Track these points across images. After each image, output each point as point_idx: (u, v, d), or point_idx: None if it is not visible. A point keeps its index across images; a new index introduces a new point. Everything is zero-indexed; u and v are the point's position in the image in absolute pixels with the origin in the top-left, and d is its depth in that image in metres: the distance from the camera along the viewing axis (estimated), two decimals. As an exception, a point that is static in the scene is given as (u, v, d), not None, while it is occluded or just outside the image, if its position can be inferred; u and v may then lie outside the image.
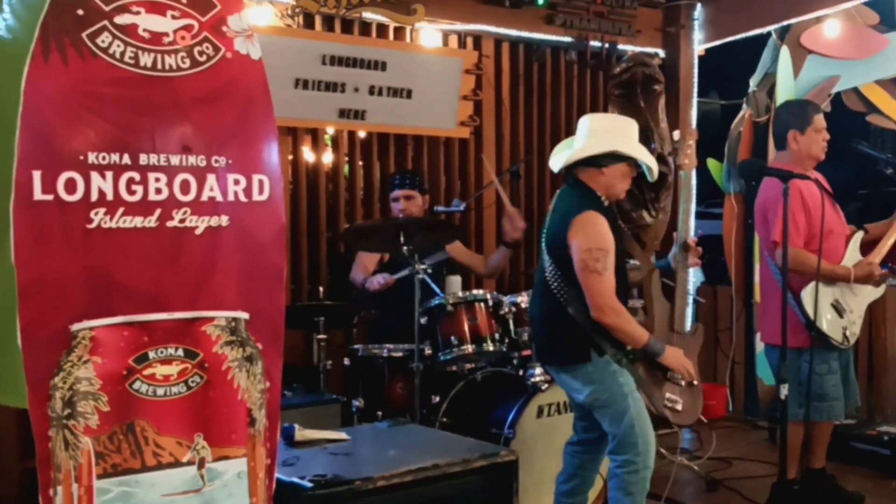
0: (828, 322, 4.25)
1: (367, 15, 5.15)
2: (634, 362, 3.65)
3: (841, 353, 4.38)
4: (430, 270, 4.43)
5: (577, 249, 3.49)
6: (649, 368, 3.70)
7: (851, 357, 4.54)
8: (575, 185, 3.69)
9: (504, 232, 5.17)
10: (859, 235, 4.46)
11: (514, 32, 5.96)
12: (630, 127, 3.74)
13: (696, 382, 3.84)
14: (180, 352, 2.33)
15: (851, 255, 4.40)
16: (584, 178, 3.66)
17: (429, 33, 5.60)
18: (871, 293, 4.48)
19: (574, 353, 3.61)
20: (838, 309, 4.30)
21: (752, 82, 6.32)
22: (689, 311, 3.94)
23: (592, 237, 3.50)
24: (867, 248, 4.49)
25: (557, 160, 3.76)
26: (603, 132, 3.67)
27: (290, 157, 5.27)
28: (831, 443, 4.59)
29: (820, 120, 4.49)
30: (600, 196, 3.65)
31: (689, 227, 4.05)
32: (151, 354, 2.29)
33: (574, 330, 3.58)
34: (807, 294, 4.23)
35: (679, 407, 3.82)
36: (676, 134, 4.23)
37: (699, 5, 6.57)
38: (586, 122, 3.75)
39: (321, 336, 4.49)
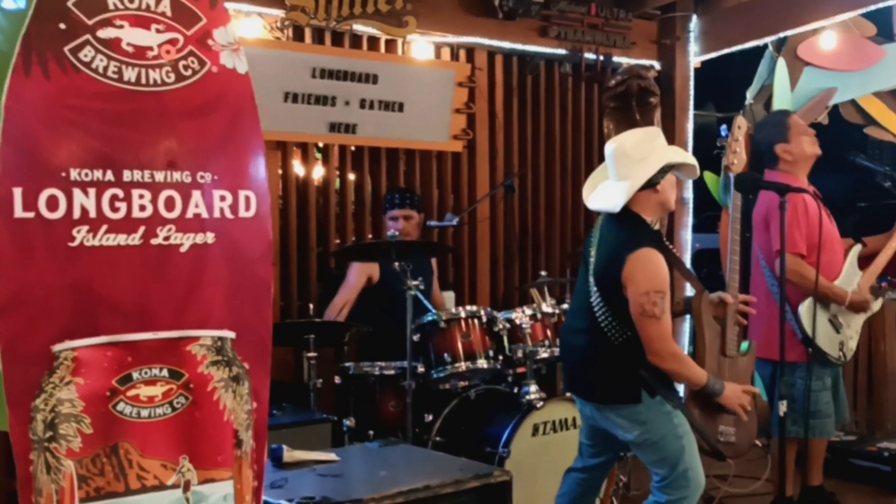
0: (824, 338, 4.25)
1: (358, 27, 5.14)
2: (687, 402, 3.53)
3: (832, 368, 4.38)
4: (422, 287, 4.42)
5: (635, 292, 3.31)
6: (702, 404, 3.57)
7: (841, 372, 4.53)
8: (623, 214, 3.47)
9: None
10: (857, 249, 4.46)
11: (507, 45, 5.96)
12: (659, 135, 3.60)
13: (749, 408, 3.65)
14: (165, 372, 2.31)
15: (849, 270, 4.40)
16: (633, 205, 3.46)
17: (421, 46, 5.60)
18: (875, 303, 4.49)
19: (622, 392, 3.44)
20: (835, 324, 4.30)
21: (749, 94, 6.33)
22: (737, 331, 3.82)
23: (651, 278, 3.32)
24: (865, 261, 4.49)
25: (606, 196, 3.52)
26: (644, 149, 3.47)
27: (280, 172, 5.26)
28: (831, 460, 4.59)
29: (796, 121, 4.55)
30: (650, 222, 3.50)
31: (737, 267, 3.95)
32: (135, 375, 2.28)
33: (624, 369, 3.42)
34: (804, 309, 4.22)
35: (733, 438, 3.70)
36: (725, 128, 4.13)
37: (695, 17, 6.59)
38: (617, 148, 3.50)
39: (311, 354, 4.46)
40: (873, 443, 5.40)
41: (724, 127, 4.15)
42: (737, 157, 4.03)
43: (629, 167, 3.46)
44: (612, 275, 3.39)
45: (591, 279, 3.49)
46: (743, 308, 3.79)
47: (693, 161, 3.54)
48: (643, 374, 3.39)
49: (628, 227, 3.47)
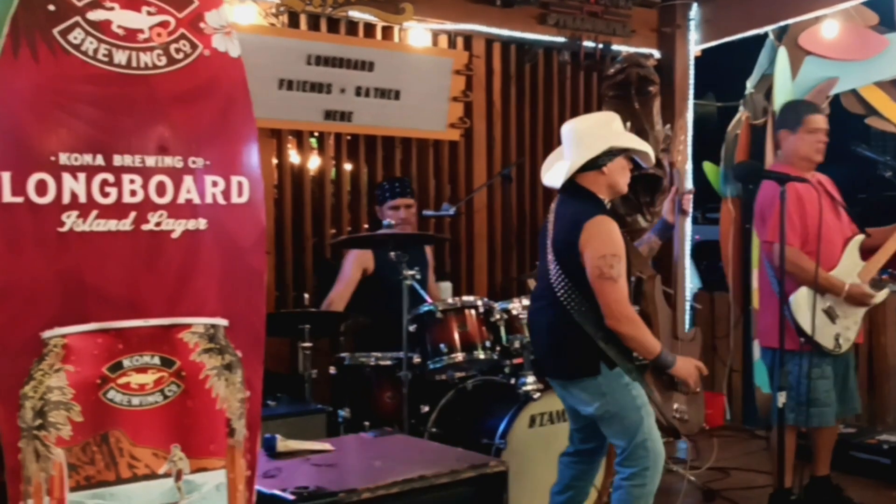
0: (818, 328, 4.24)
1: (354, 14, 5.13)
2: (643, 374, 3.60)
3: (836, 358, 4.37)
4: (418, 276, 4.40)
5: (592, 256, 3.44)
6: (657, 379, 3.66)
7: (852, 363, 4.53)
8: (576, 191, 3.63)
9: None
10: (858, 239, 4.45)
11: (505, 32, 5.95)
12: (614, 120, 3.74)
13: (698, 390, 3.80)
14: (156, 360, 2.31)
15: (848, 261, 4.39)
16: (585, 183, 3.62)
17: (418, 33, 5.58)
18: (877, 295, 4.47)
19: (583, 365, 3.54)
20: (830, 315, 4.29)
21: (749, 84, 6.32)
22: (688, 315, 3.93)
23: (606, 243, 3.46)
24: (868, 253, 4.48)
25: (556, 174, 3.70)
26: (593, 132, 3.64)
27: (275, 161, 5.24)
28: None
29: (814, 121, 4.49)
30: (603, 199, 3.63)
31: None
32: (126, 362, 2.27)
33: (582, 341, 3.51)
34: (795, 299, 4.23)
35: (686, 416, 3.80)
36: (668, 128, 4.22)
37: (695, 5, 6.57)
38: (570, 129, 3.71)
39: (306, 344, 4.45)
40: (873, 435, 5.40)
41: (668, 126, 4.22)
42: (681, 154, 4.08)
43: (576, 148, 3.63)
44: (569, 242, 3.51)
45: (551, 255, 3.60)
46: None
47: (644, 147, 3.66)
48: (601, 346, 3.48)
49: (583, 201, 3.60)
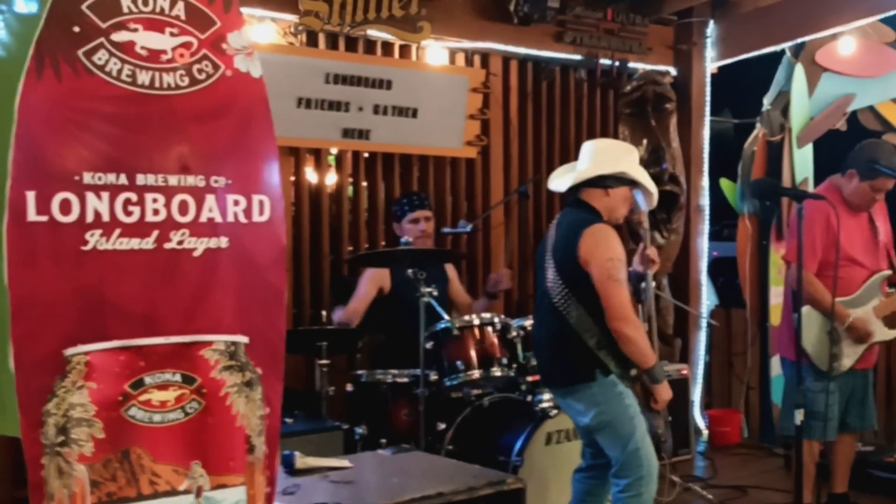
0: (816, 346, 4.24)
1: (372, 32, 5.16)
2: (634, 384, 3.66)
3: (845, 377, 4.35)
4: (435, 293, 4.42)
5: (600, 258, 3.51)
6: (643, 395, 3.70)
7: (871, 381, 4.52)
8: (579, 204, 3.73)
9: (489, 284, 5.21)
10: (883, 275, 4.42)
11: (522, 50, 5.97)
12: (633, 152, 3.85)
13: (670, 419, 3.96)
14: (177, 377, 2.32)
15: (865, 293, 4.36)
16: (587, 198, 3.72)
17: (435, 51, 5.62)
18: (882, 333, 4.44)
19: (579, 372, 3.60)
20: (832, 337, 4.26)
21: (766, 101, 6.33)
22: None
23: (612, 246, 3.54)
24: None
25: (562, 181, 3.80)
26: (608, 155, 3.74)
27: (293, 178, 5.27)
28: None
29: (883, 184, 4.40)
30: (605, 217, 3.69)
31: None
32: (148, 380, 2.28)
33: (579, 348, 3.58)
34: (804, 313, 4.23)
35: (663, 438, 3.85)
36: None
37: (711, 22, 6.58)
38: (590, 145, 3.85)
39: (323, 361, 4.47)
40: (891, 453, 5.36)
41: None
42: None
43: (589, 161, 3.74)
44: (568, 251, 3.58)
45: (550, 264, 3.67)
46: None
47: (652, 188, 3.75)
48: (596, 353, 3.54)
49: (583, 211, 3.69)
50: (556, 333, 3.67)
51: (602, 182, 3.69)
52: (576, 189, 3.74)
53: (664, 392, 3.65)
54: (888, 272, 4.46)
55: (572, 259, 3.57)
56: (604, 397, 3.58)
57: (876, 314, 4.40)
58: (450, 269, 5.25)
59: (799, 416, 3.78)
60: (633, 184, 3.74)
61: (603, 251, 3.52)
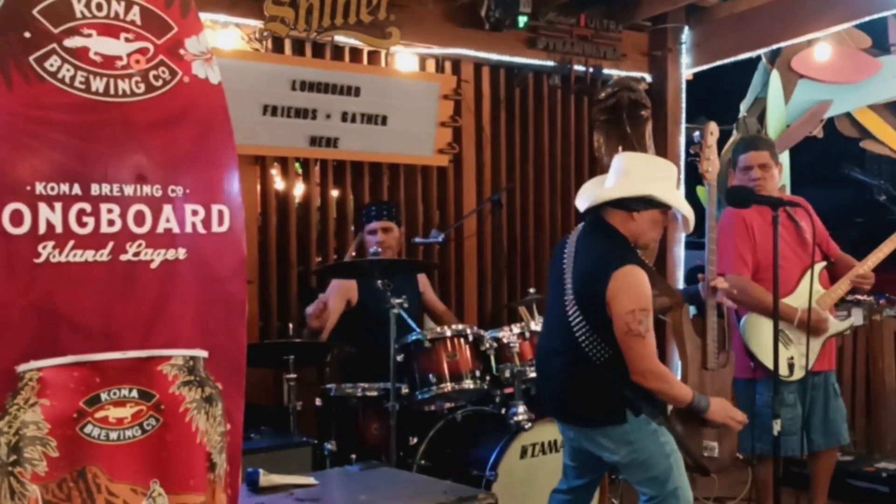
0: (767, 353, 4.24)
1: (340, 38, 5.15)
2: (671, 418, 3.52)
3: (805, 386, 4.34)
4: (406, 305, 4.40)
5: (620, 311, 3.29)
6: (685, 419, 3.59)
7: (832, 392, 4.49)
8: (602, 227, 3.50)
9: None
10: (818, 267, 4.44)
11: (494, 56, 5.98)
12: (670, 171, 3.59)
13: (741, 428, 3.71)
14: (134, 393, 2.29)
15: (806, 288, 4.35)
16: (612, 220, 3.48)
17: (405, 57, 5.62)
18: (834, 325, 4.46)
19: (606, 412, 3.41)
20: (781, 340, 4.27)
21: (743, 107, 6.37)
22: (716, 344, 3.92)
23: (636, 297, 3.30)
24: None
25: (585, 199, 3.56)
26: (638, 174, 3.49)
27: (259, 188, 5.25)
28: (827, 479, 4.60)
29: (745, 159, 4.46)
30: (630, 242, 3.49)
31: (714, 258, 4.02)
32: (104, 396, 2.25)
33: (606, 389, 3.40)
34: (745, 324, 4.26)
35: (716, 453, 3.75)
36: (698, 135, 4.12)
37: (686, 28, 6.62)
38: (621, 162, 3.57)
39: (291, 375, 4.44)
40: (871, 463, 5.40)
41: (696, 133, 4.15)
42: (710, 165, 4.05)
43: (617, 180, 3.52)
44: (594, 292, 3.35)
45: (570, 296, 3.45)
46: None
47: (687, 212, 3.49)
48: (626, 393, 3.37)
49: (610, 243, 3.46)
50: (579, 372, 3.46)
51: (627, 204, 3.43)
52: (600, 206, 3.49)
53: (716, 415, 3.48)
54: (822, 264, 4.48)
55: (599, 300, 3.34)
56: (636, 436, 3.41)
57: (822, 306, 4.41)
58: (422, 280, 5.24)
59: (776, 426, 3.77)
60: (664, 206, 3.47)
61: (625, 302, 3.28)
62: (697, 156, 4.03)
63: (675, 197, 3.51)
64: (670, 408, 3.59)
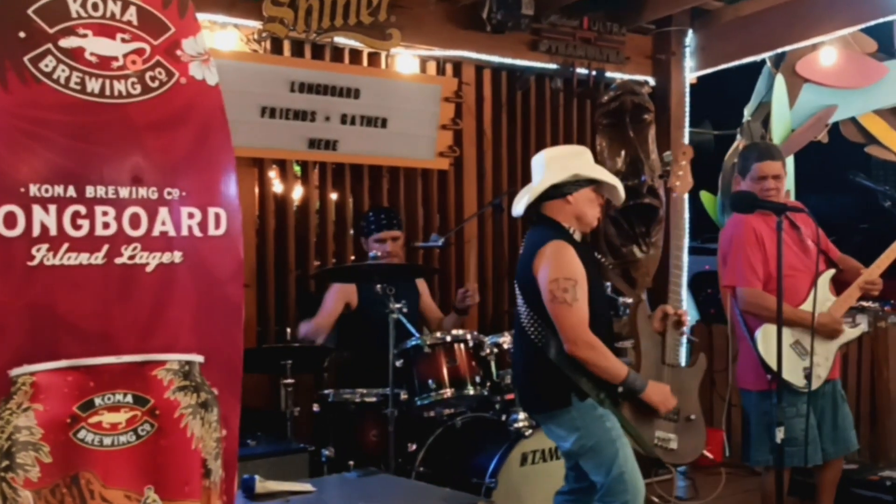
0: (785, 364, 4.24)
1: (340, 40, 5.14)
2: (618, 403, 3.62)
3: (816, 396, 4.34)
4: (405, 310, 4.39)
5: (543, 280, 3.52)
6: (636, 407, 3.68)
7: (840, 400, 4.49)
8: (540, 221, 3.73)
9: (457, 298, 5.17)
10: (829, 274, 4.44)
11: (496, 59, 5.97)
12: (584, 152, 3.82)
13: (693, 417, 3.88)
14: (129, 398, 2.29)
15: (817, 296, 4.35)
16: (550, 212, 3.70)
17: (405, 59, 5.61)
18: (847, 332, 4.45)
19: (553, 396, 3.58)
20: (797, 351, 4.27)
21: (747, 112, 6.36)
22: (684, 343, 3.98)
23: (558, 266, 3.52)
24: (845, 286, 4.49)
25: (520, 204, 3.77)
26: (559, 161, 3.72)
27: (257, 190, 5.24)
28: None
29: (761, 168, 4.42)
30: (569, 228, 3.68)
31: (682, 284, 4.12)
32: (98, 401, 2.26)
33: (552, 372, 3.56)
34: (761, 335, 4.23)
35: (674, 445, 3.82)
36: (668, 154, 4.28)
37: (691, 31, 6.61)
38: (538, 158, 3.80)
39: (288, 380, 4.44)
40: (875, 472, 5.38)
41: (667, 153, 4.37)
42: (680, 180, 4.20)
43: (540, 174, 3.72)
44: (526, 272, 3.60)
45: (516, 286, 3.69)
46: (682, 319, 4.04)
47: (613, 181, 3.73)
48: (567, 373, 3.51)
49: (544, 230, 3.68)
50: (528, 357, 3.67)
51: (560, 191, 3.66)
52: (538, 205, 3.71)
53: (654, 396, 3.64)
54: (832, 271, 4.47)
55: (531, 282, 3.58)
56: (583, 421, 3.55)
57: (833, 314, 4.40)
58: (421, 284, 5.24)
59: (780, 434, 3.77)
60: (594, 183, 3.70)
61: (548, 272, 3.51)
62: (667, 172, 4.15)
63: (599, 171, 3.75)
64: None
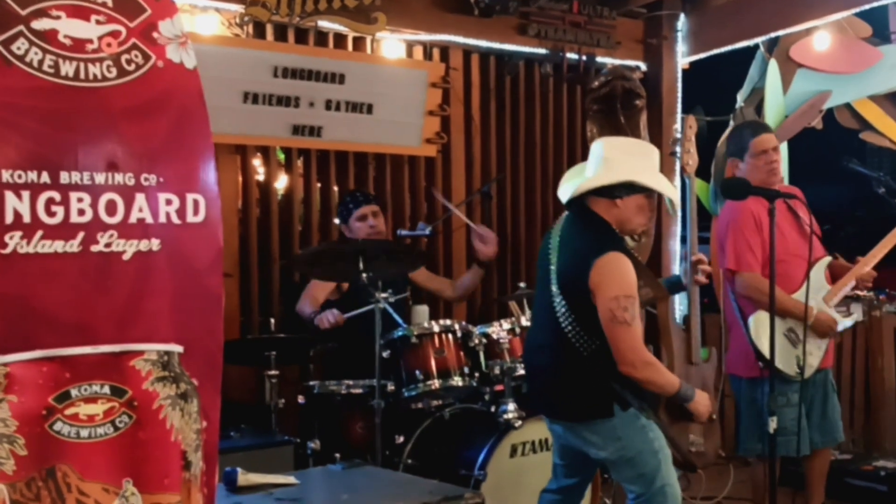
0: (778, 352, 4.24)
1: (324, 24, 5.12)
2: (657, 411, 3.53)
3: (807, 385, 4.35)
4: (392, 300, 4.38)
5: (604, 298, 3.31)
6: (673, 413, 3.60)
7: (831, 390, 4.51)
8: (586, 215, 3.51)
9: (476, 251, 5.16)
10: (825, 262, 4.44)
11: (484, 43, 5.96)
12: (651, 154, 3.59)
13: (715, 416, 3.78)
14: (106, 389, 2.28)
15: (812, 284, 4.34)
16: (596, 208, 3.48)
17: (391, 44, 5.60)
18: (841, 322, 4.47)
19: (594, 406, 3.42)
20: (790, 339, 4.28)
21: (740, 97, 6.36)
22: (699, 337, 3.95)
23: (619, 284, 3.32)
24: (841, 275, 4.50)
25: (566, 189, 3.57)
26: (619, 160, 3.49)
27: (239, 178, 5.23)
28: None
29: (759, 143, 4.44)
30: (615, 230, 3.50)
31: (696, 239, 4.03)
32: (74, 392, 2.24)
33: (594, 382, 3.42)
34: (754, 322, 4.24)
35: (702, 448, 3.79)
36: (677, 129, 4.17)
37: (682, 16, 6.61)
38: (599, 148, 3.57)
39: (273, 372, 4.43)
40: (870, 462, 5.42)
41: (676, 127, 4.23)
42: (691, 158, 4.08)
43: (595, 167, 3.53)
44: (577, 281, 3.38)
45: (555, 287, 3.47)
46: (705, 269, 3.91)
47: (671, 193, 3.56)
48: (615, 387, 3.38)
49: (593, 231, 3.48)
50: (566, 364, 3.47)
51: (610, 191, 3.44)
52: (583, 195, 3.49)
53: (698, 407, 3.52)
54: (828, 258, 4.48)
55: (583, 291, 3.36)
56: (624, 431, 3.42)
57: (826, 302, 4.41)
58: (414, 275, 5.20)
59: (772, 424, 3.78)
60: (647, 191, 3.49)
61: (609, 289, 3.30)
62: (678, 150, 4.07)
63: (658, 180, 3.52)
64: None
